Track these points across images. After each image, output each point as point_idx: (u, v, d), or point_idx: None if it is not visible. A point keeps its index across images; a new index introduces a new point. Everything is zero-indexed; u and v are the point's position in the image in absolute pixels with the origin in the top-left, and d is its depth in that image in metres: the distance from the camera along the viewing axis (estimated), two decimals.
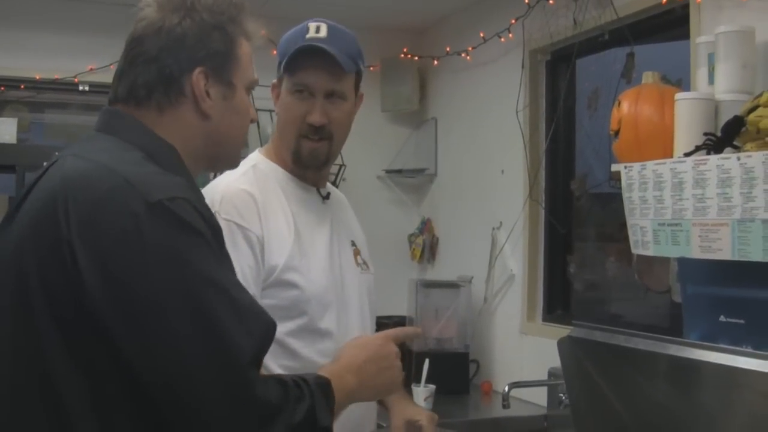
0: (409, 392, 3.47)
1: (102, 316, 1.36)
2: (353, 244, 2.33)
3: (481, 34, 4.27)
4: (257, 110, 4.65)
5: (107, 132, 1.57)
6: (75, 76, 4.62)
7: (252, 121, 1.73)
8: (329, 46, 2.14)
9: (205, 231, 1.43)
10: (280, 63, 2.20)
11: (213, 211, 1.99)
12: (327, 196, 2.28)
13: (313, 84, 2.16)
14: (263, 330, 1.48)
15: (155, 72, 1.56)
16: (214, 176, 2.30)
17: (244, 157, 2.17)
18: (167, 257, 1.37)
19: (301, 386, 1.49)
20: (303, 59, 2.14)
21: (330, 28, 2.19)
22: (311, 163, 2.21)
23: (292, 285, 2.08)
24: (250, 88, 1.69)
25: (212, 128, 1.61)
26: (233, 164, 1.80)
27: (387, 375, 1.77)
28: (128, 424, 1.39)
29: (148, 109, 1.57)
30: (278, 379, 1.48)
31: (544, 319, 4.06)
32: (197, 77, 1.57)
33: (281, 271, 2.07)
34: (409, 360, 4.16)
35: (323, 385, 1.54)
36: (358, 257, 2.32)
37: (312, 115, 2.16)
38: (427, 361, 3.42)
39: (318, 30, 2.18)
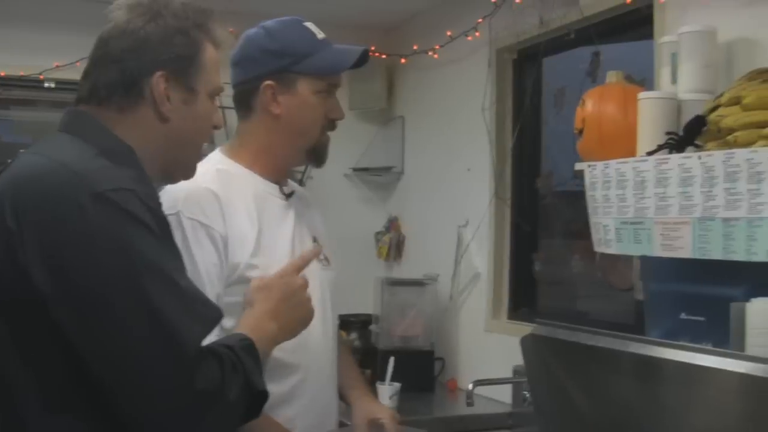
0: (374, 390, 3.47)
1: (49, 306, 1.39)
2: (315, 240, 2.34)
3: (449, 33, 4.27)
4: (223, 108, 4.57)
5: (67, 131, 1.60)
6: (41, 73, 4.58)
7: (216, 127, 1.74)
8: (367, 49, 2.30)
9: (149, 221, 1.46)
10: (290, 64, 2.20)
11: (176, 211, 2.04)
12: (290, 194, 2.30)
13: (340, 82, 2.29)
14: (209, 317, 1.51)
15: (116, 73, 1.59)
16: None
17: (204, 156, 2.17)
18: (111, 246, 1.40)
19: (231, 358, 1.50)
20: (342, 63, 2.25)
21: (321, 27, 2.29)
22: (326, 157, 2.31)
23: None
24: (214, 94, 1.71)
25: (172, 131, 1.63)
26: (188, 174, 1.79)
27: (301, 310, 1.82)
28: (78, 413, 1.42)
29: (108, 109, 1.59)
30: (215, 355, 1.49)
31: (510, 317, 4.08)
32: (157, 80, 1.59)
33: (244, 268, 2.08)
34: (375, 358, 4.16)
35: (248, 347, 1.57)
36: (320, 253, 2.33)
37: (336, 112, 2.28)
38: (392, 359, 3.43)
39: (319, 31, 2.27)
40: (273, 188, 2.26)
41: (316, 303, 2.22)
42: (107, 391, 1.41)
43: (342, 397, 2.40)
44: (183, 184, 2.07)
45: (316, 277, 2.23)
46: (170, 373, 1.40)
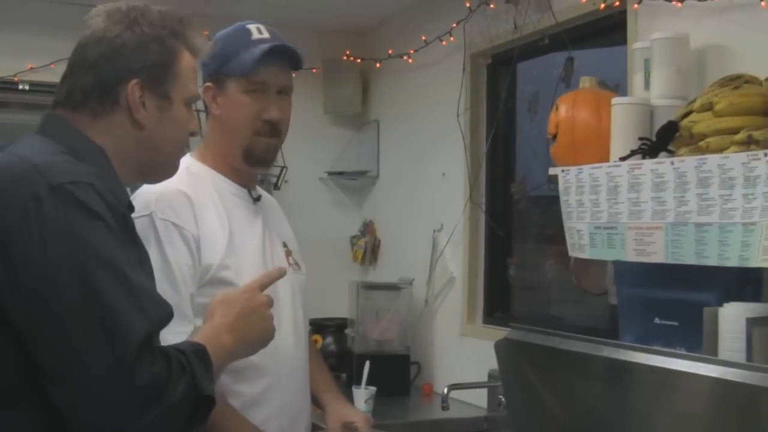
0: (350, 394, 3.47)
1: (1, 296, 1.40)
2: (285, 245, 2.36)
3: (423, 37, 4.28)
4: (197, 111, 4.57)
5: (41, 133, 1.62)
6: (15, 75, 4.55)
7: (193, 134, 1.76)
8: (283, 44, 2.23)
9: (105, 215, 1.46)
10: (221, 65, 2.22)
11: (149, 212, 2.06)
12: (258, 198, 2.31)
13: (269, 81, 2.22)
14: (159, 313, 1.51)
15: (92, 79, 1.61)
16: None
17: None
18: (64, 238, 1.42)
19: (180, 360, 1.50)
20: (264, 59, 2.19)
21: (269, 29, 2.26)
22: (265, 159, 2.28)
23: (227, 282, 2.10)
24: (190, 101, 1.73)
25: (146, 138, 1.65)
26: (169, 174, 1.81)
27: (260, 328, 1.77)
28: (24, 406, 1.43)
29: (83, 114, 1.61)
30: (164, 354, 1.48)
31: (484, 321, 4.08)
32: (132, 88, 1.61)
33: (216, 270, 2.11)
34: (350, 362, 4.16)
35: (199, 352, 1.56)
36: (290, 257, 2.35)
37: (269, 112, 2.22)
38: (367, 363, 3.42)
39: (260, 31, 2.24)
40: (241, 191, 2.28)
41: (286, 307, 2.24)
42: (50, 383, 1.41)
43: (315, 400, 2.40)
44: (155, 186, 2.09)
45: (287, 281, 2.23)
46: (111, 367, 1.39)
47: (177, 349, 1.52)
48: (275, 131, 2.25)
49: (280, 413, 2.19)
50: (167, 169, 1.78)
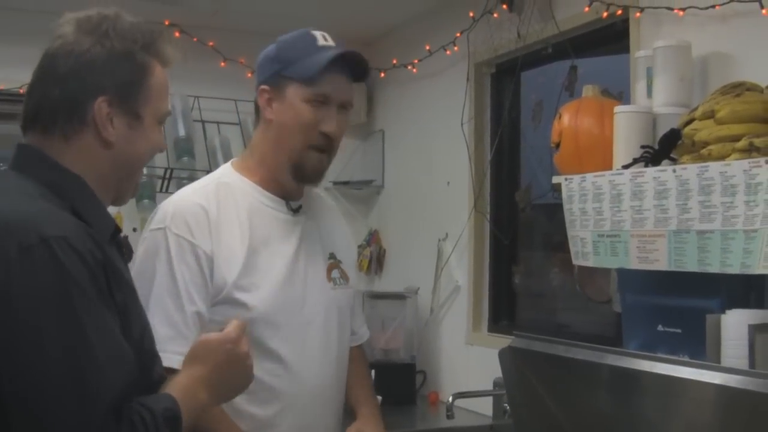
0: None
1: None
2: (332, 256, 2.28)
3: (427, 47, 4.29)
4: (204, 122, 4.56)
5: (16, 169, 1.58)
6: (20, 87, 4.45)
7: (160, 150, 1.71)
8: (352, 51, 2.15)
9: (78, 273, 1.42)
10: (283, 68, 2.14)
11: (164, 226, 2.04)
12: (298, 209, 2.22)
13: (333, 94, 2.13)
14: (122, 380, 1.45)
15: (59, 94, 1.56)
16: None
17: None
18: (33, 305, 1.38)
19: (148, 425, 1.45)
20: (329, 66, 2.10)
21: (334, 38, 2.18)
22: (314, 175, 2.18)
23: (240, 304, 2.06)
24: (161, 119, 1.66)
25: (117, 156, 1.60)
26: (132, 195, 1.73)
27: (237, 382, 1.69)
28: None
29: (52, 138, 1.56)
30: (129, 423, 1.43)
31: (490, 330, 4.08)
32: (99, 105, 1.56)
33: (230, 289, 2.06)
34: None
35: (170, 419, 1.50)
36: (334, 271, 2.27)
37: (328, 124, 2.13)
38: (373, 371, 3.42)
39: (326, 38, 2.17)
40: (277, 203, 2.19)
41: (315, 328, 2.16)
42: None
43: (353, 413, 2.33)
44: (174, 199, 2.11)
45: (321, 300, 2.19)
46: None
47: (149, 410, 1.47)
48: (329, 146, 2.16)
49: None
50: (132, 190, 1.71)
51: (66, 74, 1.55)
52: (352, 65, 2.17)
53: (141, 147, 1.63)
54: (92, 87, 1.55)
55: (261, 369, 1.98)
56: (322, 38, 2.15)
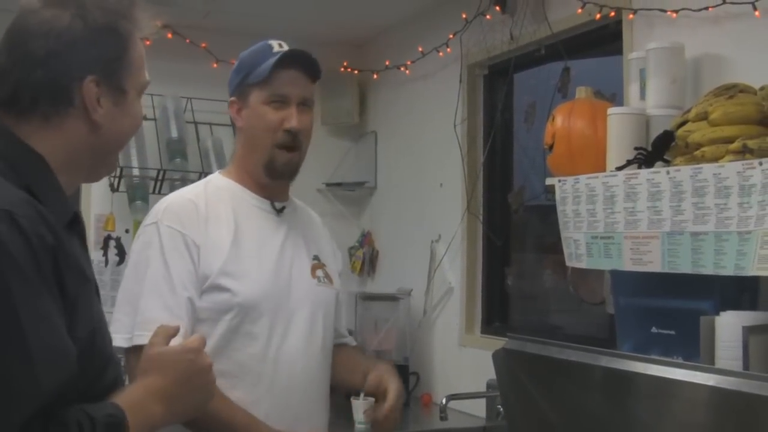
0: (348, 405, 3.46)
1: None
2: (316, 258, 2.36)
3: (420, 49, 4.29)
4: (196, 123, 4.56)
5: None
6: None
7: (139, 125, 1.61)
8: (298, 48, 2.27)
9: (19, 252, 1.28)
10: (244, 77, 2.27)
11: (156, 220, 2.15)
12: (281, 210, 2.33)
13: (289, 92, 2.25)
14: (55, 376, 1.30)
15: (41, 78, 1.42)
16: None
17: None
18: None
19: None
20: (279, 68, 2.22)
21: (289, 44, 2.29)
22: (285, 172, 2.29)
23: (225, 289, 2.16)
24: (141, 91, 1.57)
25: (102, 137, 1.48)
26: (109, 171, 1.64)
27: (199, 394, 1.53)
28: None
29: (30, 121, 1.44)
30: (63, 427, 1.30)
31: (483, 331, 4.08)
32: (88, 86, 1.44)
33: (216, 276, 2.16)
34: None
35: (112, 426, 1.35)
36: (319, 270, 2.35)
37: (289, 121, 2.24)
38: None
39: (281, 45, 2.28)
40: (263, 203, 2.30)
41: (300, 318, 2.24)
42: None
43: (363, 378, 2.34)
44: (166, 198, 2.26)
45: (307, 292, 2.28)
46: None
47: (90, 418, 1.32)
48: (296, 142, 2.25)
49: (266, 419, 2.15)
50: (109, 168, 1.60)
51: (47, 56, 1.41)
52: (306, 64, 2.28)
53: (125, 124, 1.53)
54: (78, 68, 1.43)
55: (245, 354, 2.16)
56: (277, 45, 2.28)
